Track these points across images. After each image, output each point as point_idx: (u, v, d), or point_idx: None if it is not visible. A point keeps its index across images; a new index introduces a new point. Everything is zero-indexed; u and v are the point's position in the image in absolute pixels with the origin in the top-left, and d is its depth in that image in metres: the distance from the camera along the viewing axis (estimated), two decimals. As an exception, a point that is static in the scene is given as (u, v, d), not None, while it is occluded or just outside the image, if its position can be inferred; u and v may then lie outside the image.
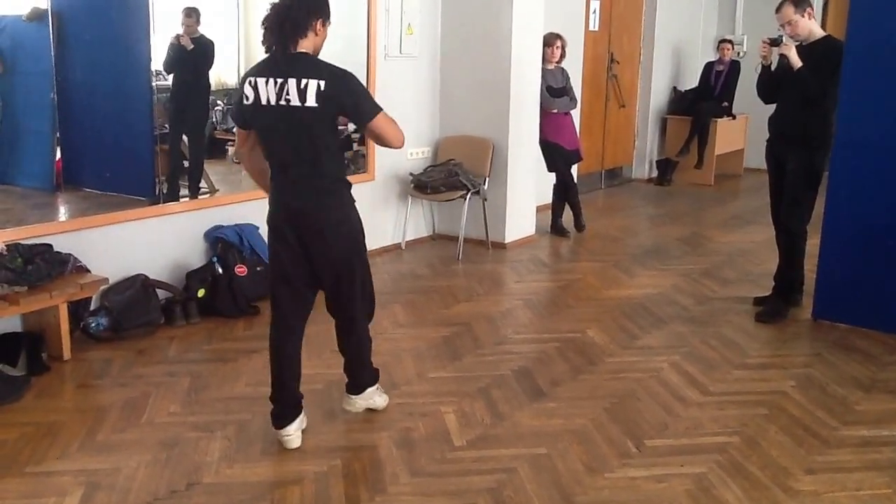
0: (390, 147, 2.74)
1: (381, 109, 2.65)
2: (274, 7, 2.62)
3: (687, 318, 4.28)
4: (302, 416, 2.89)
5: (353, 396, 3.05)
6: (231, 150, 4.67)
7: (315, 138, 2.63)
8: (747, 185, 8.38)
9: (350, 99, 2.61)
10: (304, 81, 2.56)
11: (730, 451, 2.83)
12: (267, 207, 2.81)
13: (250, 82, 2.63)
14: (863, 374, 3.54)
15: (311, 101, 2.56)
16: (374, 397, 3.10)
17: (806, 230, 4.18)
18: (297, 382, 2.86)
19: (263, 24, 2.63)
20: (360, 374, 3.04)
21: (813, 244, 4.21)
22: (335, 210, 2.72)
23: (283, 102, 2.58)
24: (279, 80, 2.58)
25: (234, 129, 2.86)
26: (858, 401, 3.28)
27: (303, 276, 2.78)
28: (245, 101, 2.66)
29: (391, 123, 2.68)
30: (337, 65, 2.66)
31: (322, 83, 2.56)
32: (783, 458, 2.80)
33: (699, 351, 3.80)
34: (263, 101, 2.61)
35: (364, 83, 5.02)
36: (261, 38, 2.65)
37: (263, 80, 2.60)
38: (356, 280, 2.84)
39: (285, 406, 2.84)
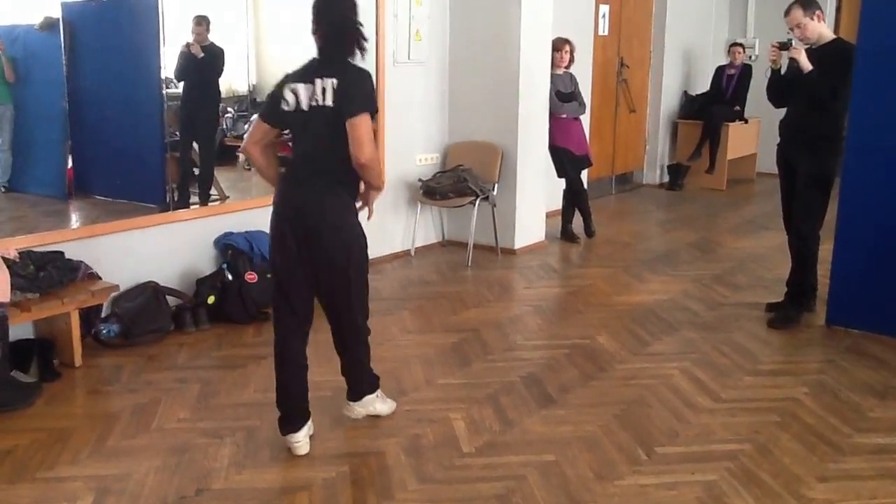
0: (357, 154, 2.60)
1: (367, 112, 2.61)
2: (326, 18, 2.66)
3: (698, 324, 4.25)
4: (309, 422, 2.89)
5: (352, 403, 3.05)
6: (241, 157, 4.69)
7: (331, 138, 2.65)
8: (760, 190, 8.33)
9: (348, 90, 2.62)
10: (325, 81, 2.63)
11: (741, 459, 2.81)
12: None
13: (292, 88, 2.67)
14: (877, 381, 3.50)
15: (328, 100, 2.62)
16: (375, 404, 3.09)
17: (818, 235, 4.14)
18: (303, 388, 2.86)
19: (319, 32, 2.67)
20: (357, 381, 3.03)
21: (826, 249, 4.18)
22: (335, 213, 2.71)
23: (314, 104, 2.64)
24: (311, 84, 2.65)
25: (253, 120, 2.86)
26: (872, 408, 3.24)
27: (302, 276, 2.76)
28: (285, 107, 2.68)
29: (368, 132, 2.63)
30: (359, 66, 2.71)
31: (335, 81, 2.61)
32: (795, 465, 2.77)
33: (710, 357, 3.77)
34: (303, 106, 2.66)
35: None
36: (318, 48, 2.69)
37: (302, 85, 2.66)
38: (350, 290, 2.80)
39: (292, 412, 2.84)
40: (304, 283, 2.78)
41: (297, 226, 2.70)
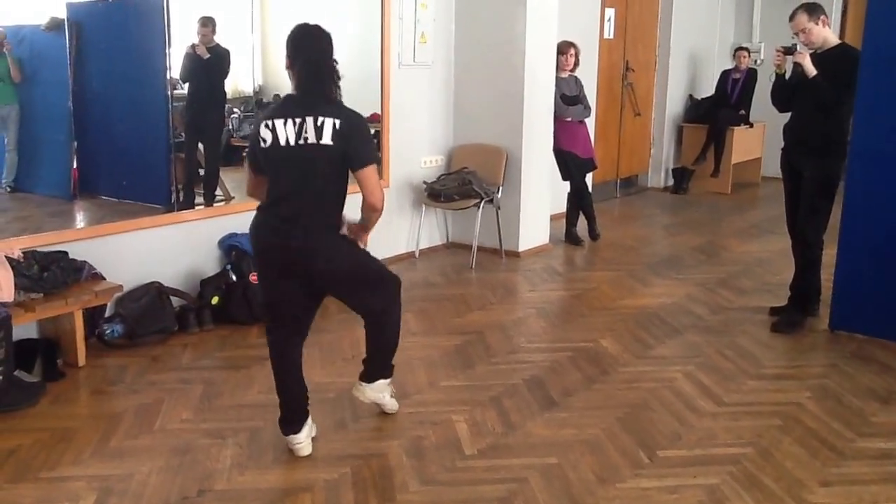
0: (369, 199, 2.70)
1: (375, 162, 2.71)
2: (305, 54, 2.63)
3: (702, 327, 4.25)
4: (311, 423, 2.90)
5: (364, 385, 3.04)
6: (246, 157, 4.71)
7: (325, 177, 2.64)
8: (765, 194, 8.32)
9: (357, 140, 2.64)
10: (321, 119, 2.58)
11: (743, 463, 2.80)
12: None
13: (267, 125, 2.63)
14: (880, 386, 3.49)
15: (326, 139, 2.58)
16: (385, 393, 3.09)
17: (822, 239, 4.13)
18: (303, 388, 2.87)
19: (297, 68, 2.63)
20: (379, 364, 3.03)
21: (830, 254, 4.17)
22: (333, 251, 2.73)
23: (301, 142, 2.59)
24: (297, 120, 2.60)
25: (247, 168, 2.85)
26: (875, 412, 3.23)
27: (297, 300, 2.80)
28: (262, 145, 2.64)
29: (378, 179, 2.71)
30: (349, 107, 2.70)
31: (338, 122, 2.59)
32: (798, 470, 2.77)
33: (714, 361, 3.77)
34: (282, 142, 2.61)
35: (378, 92, 5.14)
36: (296, 84, 2.66)
37: (281, 121, 2.61)
38: (367, 280, 2.87)
39: (294, 412, 2.85)
40: (298, 305, 2.81)
41: (295, 264, 2.69)
